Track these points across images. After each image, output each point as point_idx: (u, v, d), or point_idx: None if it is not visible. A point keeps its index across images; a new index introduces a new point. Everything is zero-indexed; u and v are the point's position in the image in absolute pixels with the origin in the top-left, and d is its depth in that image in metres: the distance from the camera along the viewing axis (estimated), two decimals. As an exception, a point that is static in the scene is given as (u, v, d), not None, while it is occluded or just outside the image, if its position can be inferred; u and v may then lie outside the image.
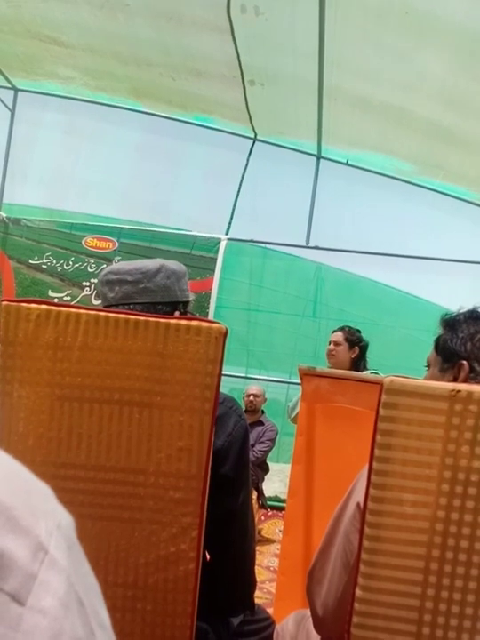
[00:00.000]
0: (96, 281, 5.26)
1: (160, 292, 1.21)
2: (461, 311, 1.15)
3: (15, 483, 0.35)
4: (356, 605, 0.97)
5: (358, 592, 0.97)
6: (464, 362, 1.08)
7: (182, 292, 1.26)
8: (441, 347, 1.15)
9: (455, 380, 1.08)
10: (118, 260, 5.15)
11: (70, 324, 1.02)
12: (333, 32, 3.84)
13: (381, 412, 0.97)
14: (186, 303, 1.26)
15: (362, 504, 0.98)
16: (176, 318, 1.03)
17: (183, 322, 1.02)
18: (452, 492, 0.94)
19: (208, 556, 1.20)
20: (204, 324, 1.02)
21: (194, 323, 1.02)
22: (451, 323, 1.15)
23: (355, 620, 0.97)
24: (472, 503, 0.94)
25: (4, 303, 1.02)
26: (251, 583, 1.27)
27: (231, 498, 1.18)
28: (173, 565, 1.01)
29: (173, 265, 1.26)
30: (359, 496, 1.02)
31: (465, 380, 1.07)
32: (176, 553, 1.01)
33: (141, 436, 1.02)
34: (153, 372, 1.02)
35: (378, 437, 0.97)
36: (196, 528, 1.01)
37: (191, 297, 1.29)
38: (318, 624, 1.13)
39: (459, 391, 0.95)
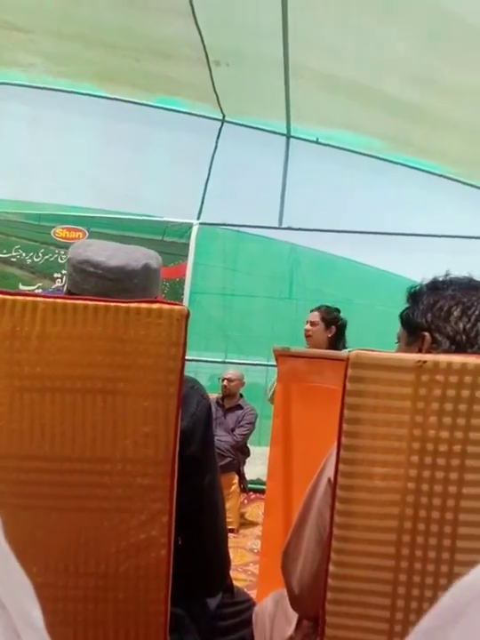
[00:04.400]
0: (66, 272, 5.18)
1: (139, 292, 1.18)
2: (424, 282, 1.14)
3: None
4: (330, 581, 0.96)
5: (332, 568, 0.96)
6: (425, 333, 1.07)
7: (157, 288, 1.25)
8: (405, 320, 1.14)
9: (420, 352, 1.07)
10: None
11: (27, 313, 0.99)
12: (296, 10, 3.80)
13: (348, 386, 0.96)
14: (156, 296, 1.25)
15: (333, 479, 0.97)
16: (136, 302, 1.00)
17: (143, 305, 1.00)
18: (422, 464, 0.94)
19: (180, 541, 1.18)
20: (165, 307, 1.00)
21: (154, 306, 1.00)
22: (414, 295, 1.14)
23: (329, 595, 0.96)
24: (441, 473, 0.94)
25: (-43, 295, 0.99)
26: (225, 562, 1.26)
27: (198, 478, 1.17)
28: (144, 552, 1.00)
29: (155, 263, 1.23)
30: (330, 472, 1.01)
31: (428, 352, 1.05)
32: (147, 540, 1.00)
33: (106, 424, 0.99)
34: (114, 358, 0.99)
35: (346, 412, 0.96)
36: (166, 514, 1.00)
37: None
38: (295, 602, 1.13)
39: (425, 362, 0.94)
